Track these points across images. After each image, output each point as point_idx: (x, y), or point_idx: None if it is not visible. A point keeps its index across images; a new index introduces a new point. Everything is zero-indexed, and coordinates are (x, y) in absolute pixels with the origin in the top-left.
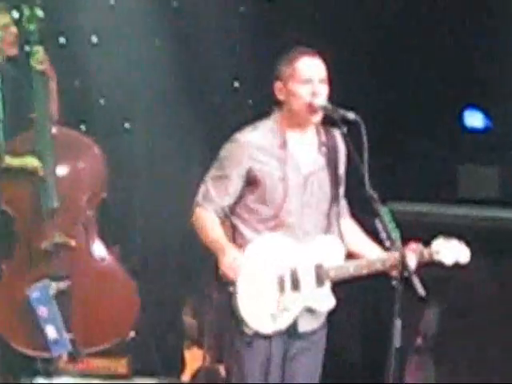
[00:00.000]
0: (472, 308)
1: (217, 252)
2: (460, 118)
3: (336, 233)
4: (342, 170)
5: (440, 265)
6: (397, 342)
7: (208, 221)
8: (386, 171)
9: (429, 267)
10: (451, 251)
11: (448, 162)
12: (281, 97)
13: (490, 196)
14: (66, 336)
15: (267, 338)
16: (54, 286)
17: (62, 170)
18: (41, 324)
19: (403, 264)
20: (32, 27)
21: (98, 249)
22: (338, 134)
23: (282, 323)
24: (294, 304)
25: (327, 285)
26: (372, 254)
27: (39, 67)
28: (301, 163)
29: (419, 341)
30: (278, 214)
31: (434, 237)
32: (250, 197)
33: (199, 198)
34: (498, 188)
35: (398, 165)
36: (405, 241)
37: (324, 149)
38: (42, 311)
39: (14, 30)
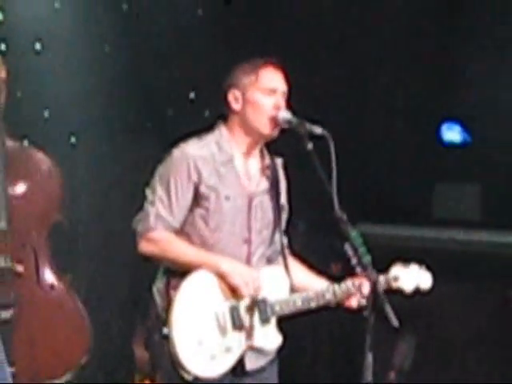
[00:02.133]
0: (449, 340)
1: (209, 268)
2: (437, 131)
3: (280, 264)
4: (283, 199)
5: (400, 292)
6: (368, 376)
7: (174, 241)
8: (356, 190)
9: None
10: (411, 277)
11: (423, 179)
12: (236, 106)
13: (469, 217)
14: (7, 369)
15: (208, 381)
16: (1, 315)
17: (12, 188)
18: None
19: (375, 292)
20: None
21: (48, 276)
22: (279, 162)
23: (225, 365)
24: (237, 344)
25: (273, 321)
26: (321, 287)
27: None
28: (246, 184)
29: (392, 375)
30: (218, 237)
31: (406, 262)
32: (196, 215)
33: (151, 221)
34: (478, 208)
35: (368, 183)
36: (376, 266)
37: (268, 172)
38: None
39: None
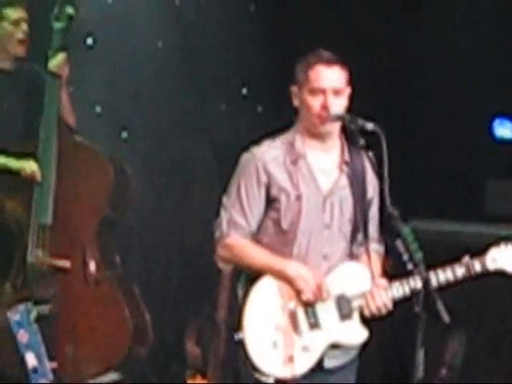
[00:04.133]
0: (501, 335)
1: (276, 274)
2: (489, 127)
3: (362, 259)
4: (370, 193)
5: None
6: (419, 373)
7: (246, 246)
8: (408, 186)
9: (453, 292)
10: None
11: (475, 175)
12: (296, 102)
13: None
14: (48, 365)
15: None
16: (38, 310)
17: (63, 182)
18: (21, 350)
19: (426, 289)
20: (58, 26)
21: (94, 272)
22: (365, 156)
23: (304, 365)
24: (315, 343)
25: (355, 316)
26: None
27: (56, 70)
28: (320, 181)
29: (444, 372)
30: (293, 237)
31: (456, 258)
32: (268, 218)
33: (223, 227)
34: None
35: (420, 179)
36: (429, 263)
37: (347, 168)
38: (22, 336)
39: (25, 27)
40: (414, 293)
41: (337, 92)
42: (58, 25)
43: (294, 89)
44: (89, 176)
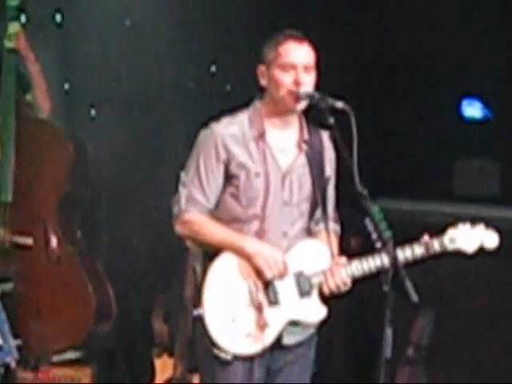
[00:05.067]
0: (467, 315)
1: (235, 251)
2: (458, 107)
3: (321, 237)
4: (328, 171)
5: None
6: (387, 352)
7: (205, 223)
8: (377, 166)
9: (421, 271)
10: (471, 237)
11: (444, 155)
12: (263, 82)
13: (489, 193)
14: (12, 342)
15: (247, 358)
16: (1, 287)
17: (23, 160)
18: None
19: (395, 267)
20: (12, 3)
21: (56, 249)
22: (325, 135)
23: (263, 341)
24: (274, 320)
25: (314, 293)
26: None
27: (10, 45)
28: (279, 159)
29: (411, 351)
30: (252, 213)
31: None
32: (226, 194)
33: (182, 203)
34: (498, 184)
35: (389, 159)
36: (397, 242)
37: (306, 147)
38: None
39: None
40: (383, 271)
41: (307, 68)
42: (11, 2)
43: (262, 68)
44: (48, 153)
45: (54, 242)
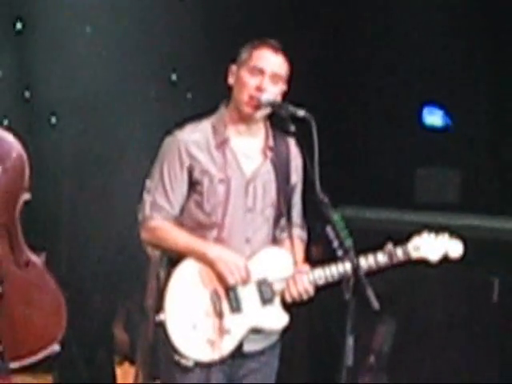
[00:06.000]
0: (428, 323)
1: (197, 257)
2: (419, 115)
3: (285, 245)
4: (294, 179)
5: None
6: (349, 360)
7: (168, 229)
8: (338, 173)
9: (382, 280)
10: (435, 245)
11: (405, 163)
12: (231, 81)
13: (450, 201)
14: None
15: (208, 365)
16: None
17: None
18: None
19: (356, 276)
20: None
21: (23, 254)
22: (292, 142)
23: (224, 349)
24: (236, 327)
25: (277, 301)
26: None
27: None
28: (243, 165)
29: (372, 359)
30: (216, 220)
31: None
32: (191, 201)
33: (146, 210)
34: (459, 192)
35: (350, 166)
36: (358, 249)
37: (271, 154)
38: None
39: None
40: (344, 279)
41: (275, 78)
42: None
43: (233, 67)
44: (6, 162)
45: (19, 249)
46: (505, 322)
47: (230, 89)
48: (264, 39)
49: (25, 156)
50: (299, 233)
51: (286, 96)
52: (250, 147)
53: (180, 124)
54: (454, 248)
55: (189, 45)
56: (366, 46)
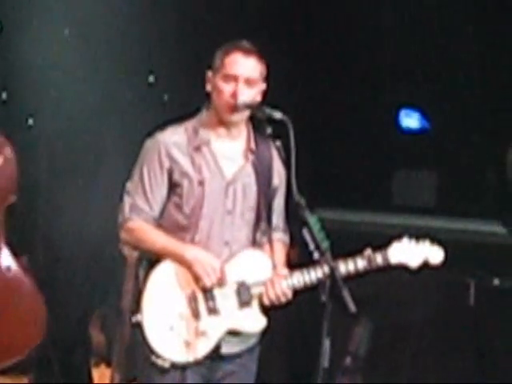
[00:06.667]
0: (404, 325)
1: (175, 258)
2: (396, 118)
3: (266, 248)
4: (275, 182)
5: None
6: (325, 362)
7: (147, 231)
8: (315, 176)
9: (359, 282)
10: (415, 252)
11: (382, 165)
12: (208, 88)
13: (426, 204)
14: None
15: (184, 367)
16: None
17: None
18: None
19: (333, 278)
20: None
21: (5, 258)
22: (273, 146)
23: (199, 350)
24: (213, 329)
25: (255, 304)
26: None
27: None
28: (224, 167)
29: (348, 361)
30: (195, 222)
31: (364, 248)
32: (170, 202)
33: (126, 211)
34: (436, 195)
35: (327, 169)
36: (335, 252)
37: (252, 156)
38: None
39: None
40: (321, 282)
41: (249, 82)
42: None
43: (209, 74)
44: None
45: (3, 253)
46: (481, 324)
47: (208, 94)
48: (235, 43)
49: (14, 158)
50: (281, 236)
51: (266, 94)
52: (231, 150)
53: (157, 127)
54: (434, 255)
55: (166, 47)
56: (343, 48)
